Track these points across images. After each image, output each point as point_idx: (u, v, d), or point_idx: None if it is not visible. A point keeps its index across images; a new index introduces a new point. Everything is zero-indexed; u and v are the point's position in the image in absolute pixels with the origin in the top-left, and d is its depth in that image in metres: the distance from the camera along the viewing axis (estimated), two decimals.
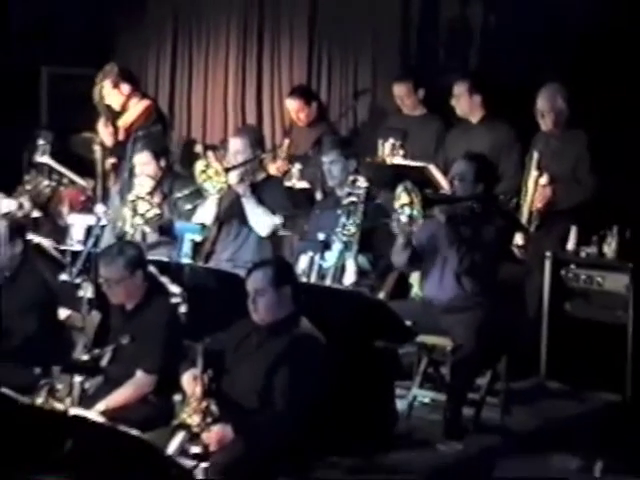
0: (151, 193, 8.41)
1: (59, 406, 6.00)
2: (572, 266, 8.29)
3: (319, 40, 10.72)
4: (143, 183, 8.51)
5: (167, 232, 8.26)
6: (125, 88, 9.78)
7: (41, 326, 7.25)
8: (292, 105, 9.86)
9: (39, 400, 6.10)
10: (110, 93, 9.72)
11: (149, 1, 11.69)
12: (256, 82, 11.03)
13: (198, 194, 8.20)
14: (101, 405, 6.37)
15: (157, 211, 8.28)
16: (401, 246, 7.45)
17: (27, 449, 5.71)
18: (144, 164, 8.57)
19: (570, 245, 8.35)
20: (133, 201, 8.35)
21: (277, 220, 7.96)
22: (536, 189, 8.39)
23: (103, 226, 8.12)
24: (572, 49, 9.01)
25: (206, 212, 8.28)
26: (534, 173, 8.42)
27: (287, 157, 9.42)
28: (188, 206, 8.27)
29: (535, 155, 8.49)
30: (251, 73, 11.02)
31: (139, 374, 6.57)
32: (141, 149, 8.66)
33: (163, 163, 8.64)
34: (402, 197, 7.12)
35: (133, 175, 8.81)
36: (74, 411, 5.86)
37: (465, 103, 9.07)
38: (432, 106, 9.56)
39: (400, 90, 9.56)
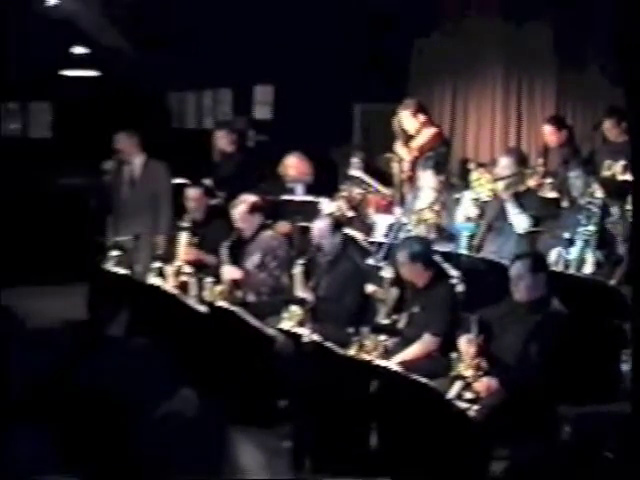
0: (433, 203, 8.39)
1: (367, 357, 6.11)
2: None
3: (566, 81, 10.50)
4: (427, 195, 8.50)
5: (447, 230, 8.22)
6: (420, 117, 9.79)
7: (354, 297, 7.38)
8: (547, 130, 9.65)
9: (351, 352, 6.22)
10: (408, 121, 9.74)
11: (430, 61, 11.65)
12: (516, 113, 10.89)
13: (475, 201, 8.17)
14: (398, 358, 6.43)
15: (437, 219, 8.23)
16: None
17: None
18: (427, 179, 8.57)
19: None
20: (419, 210, 8.37)
21: (533, 221, 7.85)
22: None
23: (400, 224, 8.18)
24: None
25: (467, 211, 8.23)
26: None
27: (542, 173, 9.23)
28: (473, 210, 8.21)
29: None
30: (512, 107, 10.89)
31: (427, 336, 6.60)
32: (425, 167, 8.67)
33: (442, 179, 8.61)
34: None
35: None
36: (378, 362, 5.94)
37: None
38: None
39: (608, 124, 9.27)
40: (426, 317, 6.66)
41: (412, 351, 6.56)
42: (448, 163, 9.51)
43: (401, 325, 6.80)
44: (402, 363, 6.25)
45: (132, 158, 9.60)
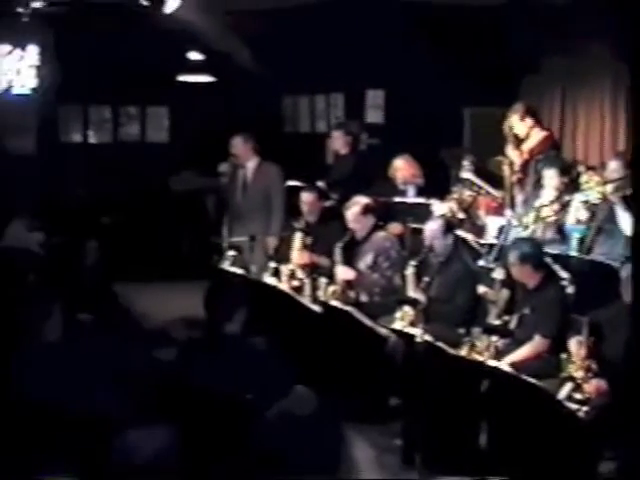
0: (553, 202, 8.38)
1: (478, 357, 6.17)
2: None
3: None
4: (548, 193, 8.50)
5: (559, 232, 8.21)
6: (529, 121, 9.77)
7: (465, 298, 7.43)
8: None
9: (462, 352, 6.29)
10: (517, 125, 9.73)
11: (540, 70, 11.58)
12: (625, 117, 10.75)
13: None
14: (508, 359, 6.48)
15: (556, 217, 8.26)
16: None
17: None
18: (550, 178, 8.54)
19: None
20: (539, 207, 8.37)
21: None
22: None
23: (510, 226, 8.21)
24: None
25: (578, 213, 8.19)
26: None
27: None
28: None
29: None
30: (621, 110, 10.75)
31: (537, 338, 6.63)
32: (549, 166, 8.66)
33: (565, 180, 8.58)
34: None
35: (537, 187, 8.83)
36: (490, 362, 6.00)
37: None
38: None
39: None
40: (536, 318, 6.69)
41: (522, 352, 6.60)
42: (568, 165, 9.42)
43: (512, 326, 6.83)
44: (512, 364, 6.30)
45: (246, 162, 9.79)
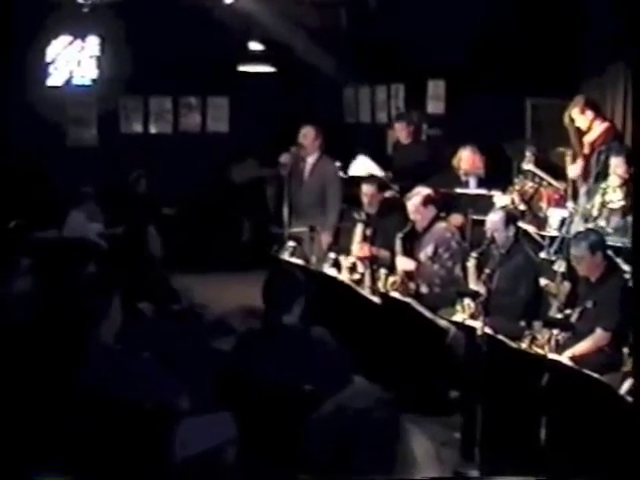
0: (619, 186, 8.26)
1: (539, 351, 6.11)
2: None
3: None
4: (614, 180, 8.38)
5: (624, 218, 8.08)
6: (589, 114, 9.68)
7: (527, 290, 7.36)
8: None
9: (523, 345, 6.23)
10: (578, 118, 9.65)
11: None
12: None
13: None
14: (569, 352, 6.42)
15: (622, 203, 8.13)
16: None
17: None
18: (617, 166, 8.41)
19: None
20: (605, 188, 8.26)
21: None
22: None
23: (573, 218, 8.12)
24: None
25: None
26: None
27: None
28: None
29: None
30: None
31: (599, 331, 6.55)
32: (616, 155, 8.54)
33: (632, 169, 8.45)
34: None
35: (599, 180, 8.72)
36: (551, 356, 5.94)
37: None
38: None
39: None
40: (598, 312, 6.60)
41: (584, 346, 6.53)
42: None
43: (573, 319, 6.75)
44: (573, 358, 6.23)
45: (310, 155, 9.74)
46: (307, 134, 9.75)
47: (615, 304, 6.58)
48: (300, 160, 9.79)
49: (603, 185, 8.32)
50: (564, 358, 6.11)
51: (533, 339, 6.14)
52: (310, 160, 9.79)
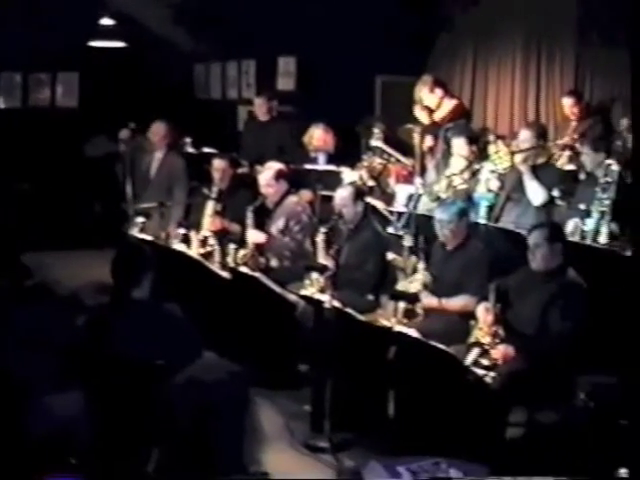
0: (463, 171, 8.36)
1: (386, 323, 6.11)
2: None
3: (585, 55, 10.27)
4: (458, 162, 8.47)
5: (469, 200, 8.17)
6: (438, 92, 9.77)
7: (375, 265, 7.36)
8: (567, 103, 9.57)
9: (370, 318, 6.21)
10: (427, 97, 9.75)
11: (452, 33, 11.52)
12: (535, 87, 10.75)
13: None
14: (432, 301, 6.59)
15: (466, 185, 8.24)
16: None
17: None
18: (459, 147, 8.52)
19: None
20: (449, 176, 8.34)
21: (555, 193, 7.76)
22: None
23: (420, 194, 8.16)
24: None
25: (488, 183, 8.17)
26: None
27: (560, 146, 9.13)
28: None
29: None
30: (531, 80, 10.75)
31: (467, 296, 6.56)
32: (458, 135, 8.62)
33: (474, 148, 8.55)
34: None
35: (446, 156, 8.80)
36: (397, 328, 5.92)
37: None
38: None
39: None
40: (460, 278, 6.66)
41: (456, 302, 6.61)
42: (477, 134, 9.39)
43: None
44: (420, 329, 6.18)
45: (156, 151, 9.57)
46: (157, 131, 9.56)
47: (478, 270, 6.61)
48: (147, 153, 9.58)
49: (447, 173, 8.41)
50: (411, 330, 6.09)
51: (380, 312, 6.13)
52: (158, 155, 9.61)
